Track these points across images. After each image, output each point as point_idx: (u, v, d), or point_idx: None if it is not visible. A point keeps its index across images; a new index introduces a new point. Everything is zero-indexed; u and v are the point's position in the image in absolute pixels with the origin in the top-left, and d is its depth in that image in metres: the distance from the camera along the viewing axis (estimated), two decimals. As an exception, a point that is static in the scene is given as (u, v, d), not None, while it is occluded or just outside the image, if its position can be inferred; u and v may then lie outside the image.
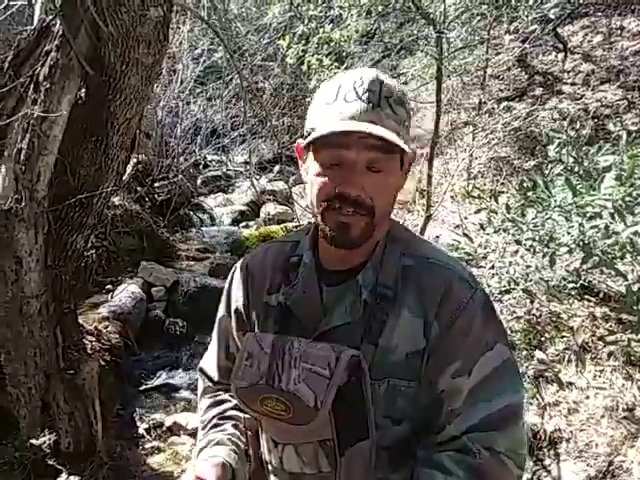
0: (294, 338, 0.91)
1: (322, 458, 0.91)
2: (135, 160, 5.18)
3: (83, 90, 2.15)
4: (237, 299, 1.04)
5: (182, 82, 6.09)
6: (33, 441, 2.43)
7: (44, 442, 2.45)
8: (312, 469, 0.92)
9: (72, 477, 2.41)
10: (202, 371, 1.15)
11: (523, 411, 0.90)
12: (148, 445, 2.99)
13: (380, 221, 0.90)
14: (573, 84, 5.22)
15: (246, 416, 1.05)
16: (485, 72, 4.99)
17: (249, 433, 1.05)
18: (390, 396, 0.89)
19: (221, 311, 1.09)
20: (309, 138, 0.86)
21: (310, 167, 0.91)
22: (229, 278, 1.08)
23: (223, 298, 1.08)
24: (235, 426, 1.05)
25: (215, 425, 1.06)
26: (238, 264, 1.08)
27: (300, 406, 0.85)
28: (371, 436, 0.88)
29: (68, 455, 2.46)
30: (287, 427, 0.90)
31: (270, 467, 1.00)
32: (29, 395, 2.29)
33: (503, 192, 3.71)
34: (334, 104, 0.86)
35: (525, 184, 1.95)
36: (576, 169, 1.78)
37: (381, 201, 0.88)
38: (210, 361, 1.13)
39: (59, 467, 2.44)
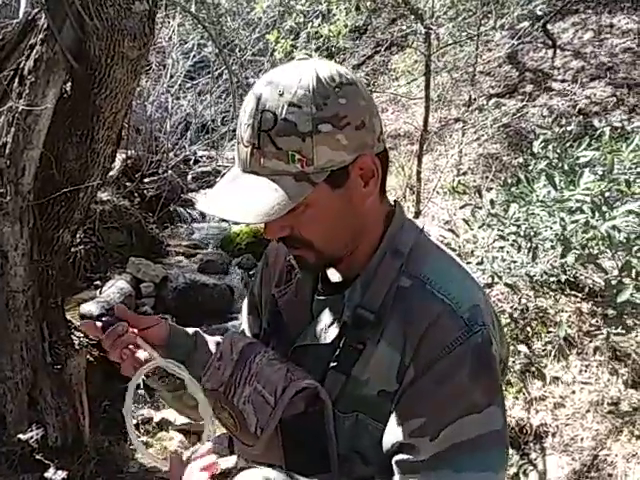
0: (261, 350, 0.84)
1: None
2: (124, 155, 5.16)
3: (68, 84, 2.15)
4: (255, 279, 1.01)
5: (172, 77, 6.06)
6: (20, 436, 2.43)
7: (31, 437, 2.46)
8: None
9: (59, 472, 2.42)
10: None
11: None
12: (136, 440, 2.99)
13: (330, 250, 0.78)
14: (563, 81, 5.25)
15: None
16: (474, 68, 5.00)
17: None
18: (356, 432, 0.78)
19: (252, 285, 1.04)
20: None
21: None
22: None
23: (255, 272, 1.04)
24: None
25: None
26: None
27: (245, 427, 0.79)
28: (333, 470, 0.78)
29: (55, 450, 2.46)
30: (237, 442, 0.84)
31: None
32: (16, 390, 2.28)
33: (492, 188, 3.73)
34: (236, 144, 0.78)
35: (509, 180, 1.97)
36: (559, 165, 1.80)
37: (311, 234, 0.76)
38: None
39: (46, 462, 2.44)
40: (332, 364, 0.79)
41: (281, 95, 0.70)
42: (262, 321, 0.97)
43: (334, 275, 0.86)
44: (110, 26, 1.94)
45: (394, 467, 0.75)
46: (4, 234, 2.07)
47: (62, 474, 2.42)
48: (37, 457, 2.45)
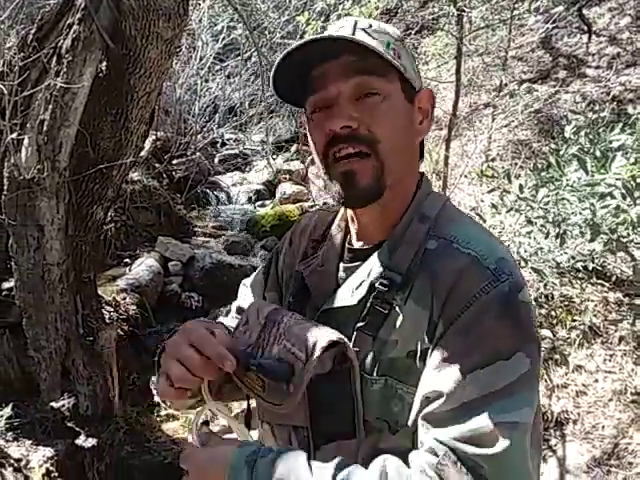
0: (287, 313, 0.84)
1: (295, 446, 0.80)
2: (154, 137, 5.23)
3: (104, 63, 2.19)
4: (278, 258, 1.02)
5: (201, 59, 6.09)
6: (53, 404, 2.53)
7: (63, 405, 2.56)
8: None
9: (90, 439, 2.51)
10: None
11: (525, 433, 0.70)
12: (163, 412, 3.09)
13: (391, 161, 0.78)
14: (597, 67, 5.11)
15: None
16: (507, 53, 4.91)
17: None
18: (385, 397, 0.76)
19: (267, 264, 1.05)
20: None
21: (307, 130, 0.83)
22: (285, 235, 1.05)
23: (274, 252, 1.05)
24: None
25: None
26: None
27: (273, 386, 0.77)
28: (358, 436, 0.76)
29: (86, 418, 2.55)
30: (263, 404, 0.81)
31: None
32: (50, 359, 2.37)
33: (520, 175, 3.68)
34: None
35: (540, 164, 1.95)
36: (591, 150, 1.78)
37: (383, 130, 0.76)
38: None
39: (77, 429, 2.54)
40: (359, 324, 0.78)
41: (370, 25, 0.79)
42: (284, 297, 0.99)
43: (358, 244, 0.88)
44: (145, 6, 1.97)
45: (419, 424, 0.73)
46: (41, 209, 2.14)
47: (92, 441, 2.52)
48: (69, 424, 2.54)
